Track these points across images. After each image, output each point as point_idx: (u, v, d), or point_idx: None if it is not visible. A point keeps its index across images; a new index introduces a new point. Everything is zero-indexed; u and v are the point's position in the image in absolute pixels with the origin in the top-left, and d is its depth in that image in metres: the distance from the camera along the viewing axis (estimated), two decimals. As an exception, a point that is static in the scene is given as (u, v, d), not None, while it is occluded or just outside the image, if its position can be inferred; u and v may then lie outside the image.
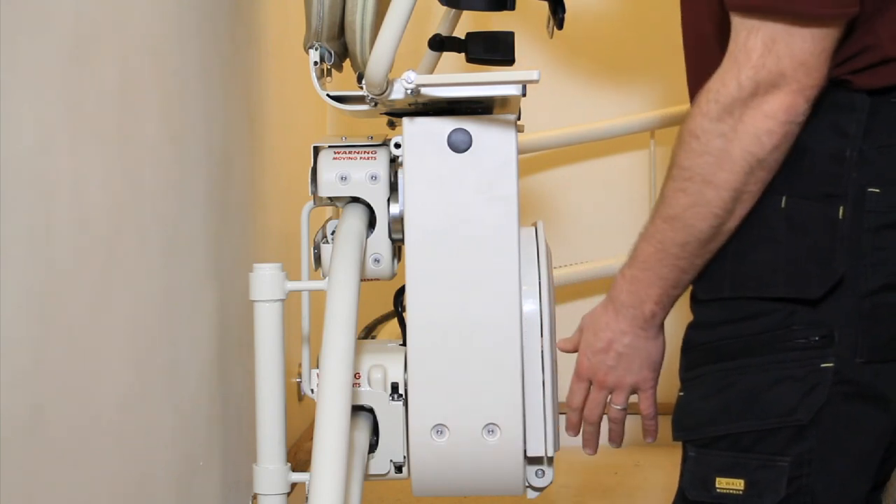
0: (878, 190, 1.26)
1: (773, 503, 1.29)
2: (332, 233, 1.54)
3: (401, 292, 1.55)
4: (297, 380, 1.76)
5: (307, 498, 1.17)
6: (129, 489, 1.20)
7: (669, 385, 1.39)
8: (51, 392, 1.00)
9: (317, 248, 1.54)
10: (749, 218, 1.30)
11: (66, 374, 1.03)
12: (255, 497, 1.44)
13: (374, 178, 1.51)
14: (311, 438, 1.18)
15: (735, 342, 1.32)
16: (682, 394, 1.37)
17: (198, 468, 1.46)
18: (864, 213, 1.26)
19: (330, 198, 1.53)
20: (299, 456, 2.12)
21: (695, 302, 1.37)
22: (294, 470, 1.42)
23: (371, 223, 1.51)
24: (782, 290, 1.29)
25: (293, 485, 1.44)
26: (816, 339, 1.28)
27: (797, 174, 1.28)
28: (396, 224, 1.51)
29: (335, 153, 1.52)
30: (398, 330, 1.60)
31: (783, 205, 1.28)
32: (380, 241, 1.52)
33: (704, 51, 1.35)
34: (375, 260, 1.53)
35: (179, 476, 1.38)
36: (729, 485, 1.31)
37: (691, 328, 1.37)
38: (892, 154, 1.27)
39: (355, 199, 1.52)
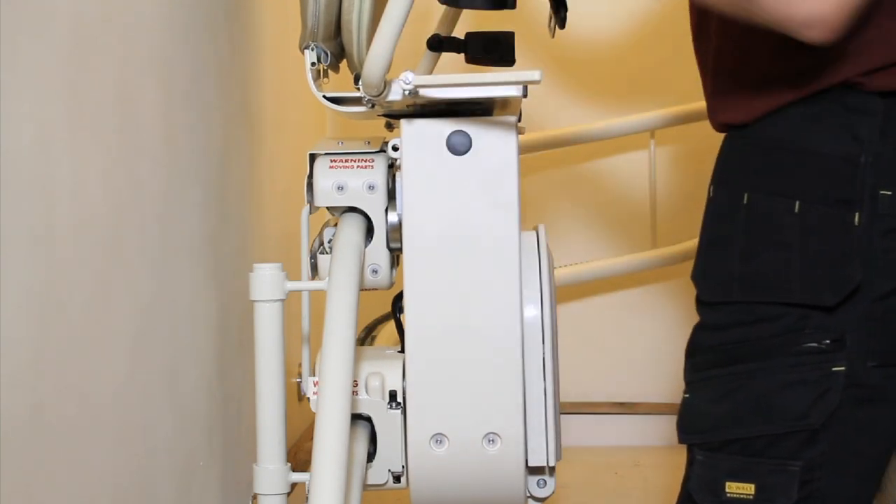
0: (889, 192, 1.26)
1: None
2: (329, 241, 1.53)
3: (399, 297, 1.53)
4: (297, 380, 1.76)
5: (307, 498, 1.17)
6: (129, 489, 1.20)
7: (675, 387, 1.39)
8: (51, 392, 1.00)
9: (313, 257, 1.53)
10: (759, 221, 1.30)
11: (66, 373, 1.03)
12: (255, 497, 1.44)
13: (371, 187, 1.49)
14: (311, 438, 1.18)
15: (745, 345, 1.31)
16: (687, 396, 1.36)
17: (198, 468, 1.46)
18: (875, 216, 1.26)
19: (327, 207, 1.52)
20: (299, 456, 2.13)
21: (701, 304, 1.36)
22: (294, 470, 1.42)
23: (369, 232, 1.50)
24: (797, 296, 1.28)
25: (293, 485, 1.44)
26: (828, 342, 1.27)
27: (810, 179, 1.28)
28: (395, 233, 1.49)
29: (331, 161, 1.51)
30: (398, 334, 1.59)
31: (797, 209, 1.28)
32: (378, 251, 1.50)
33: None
34: (373, 271, 1.51)
35: (179, 476, 1.38)
36: (739, 489, 1.30)
37: (698, 330, 1.36)
38: None
39: (352, 208, 1.51)
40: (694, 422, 1.35)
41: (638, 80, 2.85)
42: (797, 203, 1.28)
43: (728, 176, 1.36)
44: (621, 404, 2.83)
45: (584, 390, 2.82)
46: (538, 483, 1.51)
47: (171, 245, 1.36)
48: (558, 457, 1.50)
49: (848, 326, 1.27)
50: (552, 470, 1.51)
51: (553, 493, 1.54)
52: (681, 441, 1.36)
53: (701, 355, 1.35)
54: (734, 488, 1.30)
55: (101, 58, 1.13)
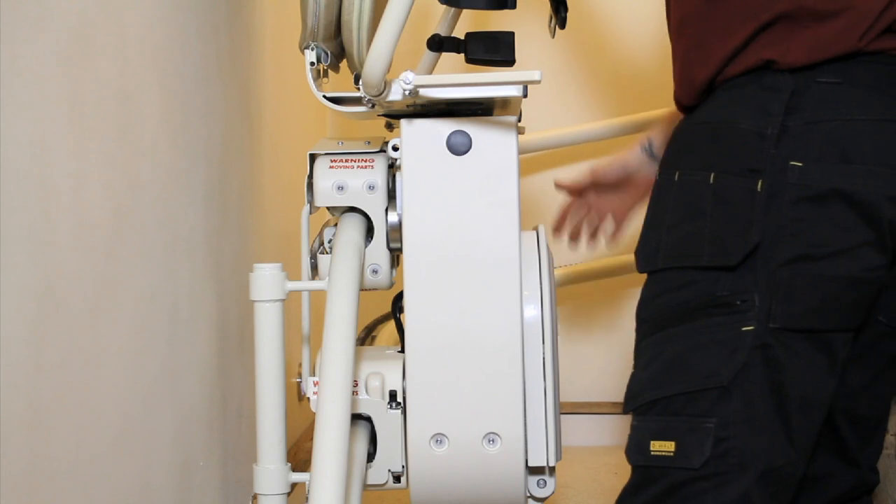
0: (800, 164, 1.32)
1: (701, 463, 1.33)
2: (329, 241, 1.52)
3: (399, 297, 1.53)
4: (298, 380, 1.76)
5: (307, 498, 1.17)
6: (129, 489, 1.20)
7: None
8: (50, 392, 1.00)
9: (313, 257, 1.52)
10: (684, 195, 1.38)
11: (65, 374, 1.03)
12: (255, 497, 1.44)
13: (371, 187, 1.49)
14: (311, 438, 1.18)
15: (669, 312, 1.38)
16: (633, 371, 1.42)
17: (198, 468, 1.46)
18: (785, 185, 1.32)
19: (327, 206, 1.52)
20: (299, 456, 2.13)
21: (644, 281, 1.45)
22: (294, 470, 1.42)
23: (369, 232, 1.50)
24: (706, 259, 1.35)
25: (293, 485, 1.44)
26: (738, 303, 1.33)
27: (725, 152, 1.36)
28: (395, 233, 1.50)
29: (331, 161, 1.51)
30: (398, 334, 1.59)
31: (711, 180, 1.36)
32: (378, 251, 1.51)
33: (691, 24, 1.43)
34: (374, 271, 1.51)
35: (179, 476, 1.38)
36: (661, 447, 1.36)
37: (637, 305, 1.44)
38: (816, 131, 1.33)
39: (352, 208, 1.51)
40: (630, 391, 1.41)
41: (638, 79, 2.85)
42: (712, 174, 1.36)
43: (667, 159, 1.46)
44: (621, 404, 2.83)
45: (584, 390, 2.82)
46: (538, 483, 1.51)
47: (171, 245, 1.36)
48: (558, 457, 1.50)
49: (756, 289, 1.33)
50: (552, 470, 1.51)
51: (553, 493, 1.54)
52: (623, 412, 1.43)
53: (639, 328, 1.42)
54: (657, 447, 1.36)
55: (101, 58, 1.13)
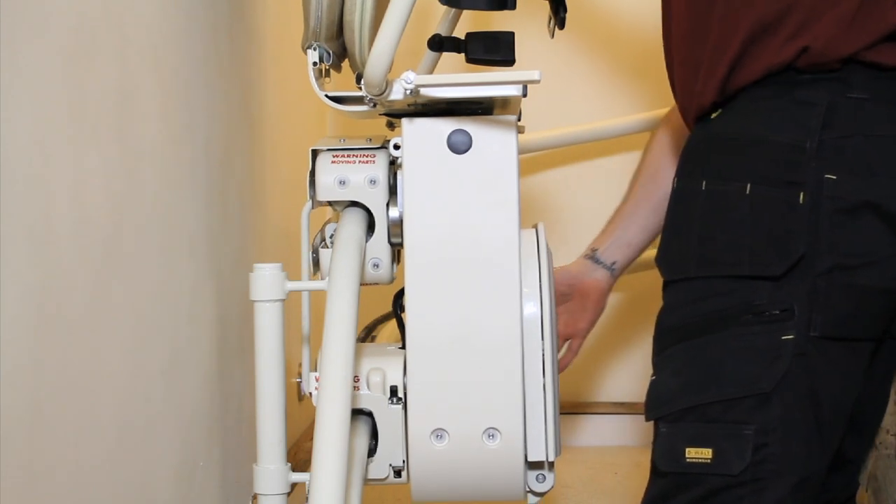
0: (834, 177, 1.34)
1: (740, 470, 1.34)
2: (331, 236, 1.53)
3: (400, 294, 1.54)
4: (298, 380, 1.76)
5: (307, 498, 1.17)
6: (129, 489, 1.20)
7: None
8: (50, 392, 1.00)
9: (315, 252, 1.53)
10: (715, 204, 1.39)
11: (65, 374, 1.03)
12: (255, 497, 1.44)
13: (372, 181, 1.50)
14: (311, 438, 1.18)
15: (702, 319, 1.38)
16: (653, 378, 1.43)
17: (198, 468, 1.46)
18: (822, 198, 1.34)
19: (329, 201, 1.53)
20: (299, 456, 2.12)
21: (664, 287, 1.45)
22: (294, 470, 1.42)
23: (370, 227, 1.51)
24: (746, 269, 1.36)
25: (293, 485, 1.44)
26: (777, 312, 1.34)
27: (761, 164, 1.37)
28: (395, 228, 1.50)
29: (333, 156, 1.52)
30: (398, 332, 1.60)
31: (748, 191, 1.36)
32: (379, 245, 1.51)
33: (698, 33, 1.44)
34: (374, 265, 1.52)
35: (179, 476, 1.38)
36: (697, 454, 1.36)
37: (661, 313, 1.45)
38: (847, 145, 1.35)
39: (354, 203, 1.51)
40: (657, 398, 1.41)
41: (638, 79, 2.85)
42: (749, 185, 1.37)
43: (689, 167, 1.46)
44: (621, 404, 2.83)
45: (584, 390, 2.82)
46: (537, 477, 1.52)
47: (171, 245, 1.36)
48: (558, 452, 1.50)
49: (796, 298, 1.34)
50: (551, 465, 1.52)
51: (552, 487, 1.55)
52: (647, 419, 1.44)
53: (663, 335, 1.43)
54: (693, 453, 1.36)
55: (101, 58, 1.13)
